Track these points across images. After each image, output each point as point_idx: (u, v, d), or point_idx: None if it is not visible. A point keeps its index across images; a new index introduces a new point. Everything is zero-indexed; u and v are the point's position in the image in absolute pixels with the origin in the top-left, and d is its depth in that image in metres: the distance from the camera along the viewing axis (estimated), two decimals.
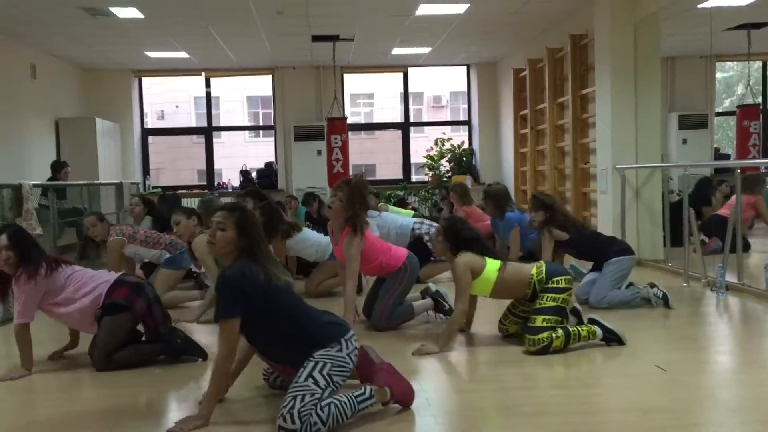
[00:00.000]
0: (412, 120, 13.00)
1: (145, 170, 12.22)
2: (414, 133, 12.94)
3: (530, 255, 6.00)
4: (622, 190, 7.00)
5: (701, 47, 10.83)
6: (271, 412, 2.97)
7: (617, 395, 3.14)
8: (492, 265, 3.96)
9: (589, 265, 5.29)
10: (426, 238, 5.99)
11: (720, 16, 8.28)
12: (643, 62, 7.02)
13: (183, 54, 10.39)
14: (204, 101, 12.99)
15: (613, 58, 7.04)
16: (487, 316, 4.49)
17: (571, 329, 3.86)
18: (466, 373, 3.61)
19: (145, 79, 12.36)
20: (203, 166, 12.90)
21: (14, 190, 5.50)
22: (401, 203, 10.58)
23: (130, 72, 11.68)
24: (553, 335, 3.77)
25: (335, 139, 10.18)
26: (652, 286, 4.92)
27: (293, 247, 5.84)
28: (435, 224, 6.24)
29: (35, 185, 6.02)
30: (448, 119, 22.39)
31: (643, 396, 3.11)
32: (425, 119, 22.77)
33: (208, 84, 12.21)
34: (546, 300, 3.86)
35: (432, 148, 12.43)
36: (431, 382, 3.39)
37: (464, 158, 12.28)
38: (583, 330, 3.89)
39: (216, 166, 12.87)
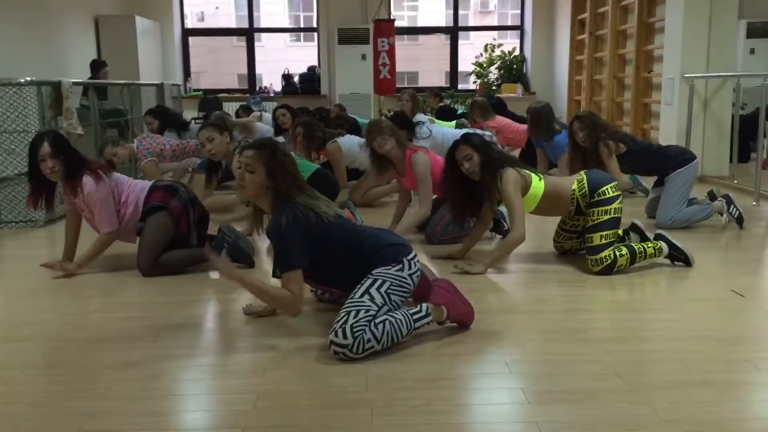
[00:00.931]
0: (459, 25, 12.36)
1: (186, 72, 11.96)
2: (459, 40, 12.32)
3: None
4: (690, 101, 6.53)
5: None
6: (320, 325, 2.83)
7: (692, 322, 2.89)
8: (536, 180, 3.67)
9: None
10: None
11: None
12: None
13: None
14: (245, 3, 12.52)
15: None
16: (539, 232, 4.26)
17: (636, 246, 3.60)
18: (525, 293, 3.39)
19: None
20: (244, 70, 12.56)
21: (53, 87, 5.30)
22: (449, 112, 10.18)
23: None
24: (617, 253, 3.52)
25: (382, 42, 9.75)
26: (729, 202, 4.58)
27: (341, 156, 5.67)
28: (487, 132, 5.94)
29: (75, 83, 5.82)
30: (496, 24, 21.49)
31: (721, 324, 2.87)
32: (471, 24, 21.88)
33: None
34: (598, 215, 3.58)
35: (481, 55, 11.86)
36: (488, 303, 3.18)
37: (515, 66, 11.71)
38: (648, 247, 3.62)
39: (256, 71, 12.53)
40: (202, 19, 23.03)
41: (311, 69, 11.79)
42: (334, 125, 6.60)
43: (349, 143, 5.71)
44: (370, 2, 10.82)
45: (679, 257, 3.67)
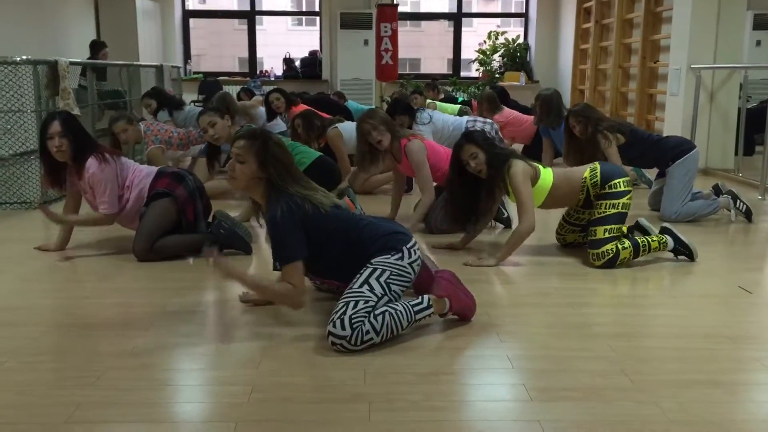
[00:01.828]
0: (463, 11, 12.22)
1: (186, 54, 11.84)
2: (463, 26, 12.19)
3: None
4: (696, 92, 6.44)
5: None
6: (318, 315, 2.76)
7: (698, 318, 2.83)
8: (545, 173, 3.60)
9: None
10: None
11: None
12: None
13: None
14: None
15: None
16: (542, 224, 4.19)
17: (640, 240, 3.53)
18: (527, 286, 3.32)
19: None
20: (245, 53, 12.43)
21: (50, 67, 5.21)
22: (449, 100, 10.08)
23: None
24: (620, 246, 3.46)
25: (385, 27, 9.64)
26: (734, 197, 4.52)
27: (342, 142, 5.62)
28: (488, 120, 5.86)
29: (72, 63, 5.72)
30: (499, 11, 21.32)
31: (728, 320, 2.81)
32: (474, 11, 21.71)
33: None
34: (605, 207, 3.51)
35: (485, 42, 11.74)
36: (491, 296, 3.12)
37: (519, 54, 11.59)
38: (653, 241, 3.55)
39: (257, 55, 12.39)
40: (203, 0, 22.85)
41: (313, 53, 11.67)
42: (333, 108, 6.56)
43: (350, 129, 5.64)
44: None
45: (683, 251, 3.61)
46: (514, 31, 12.21)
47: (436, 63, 19.72)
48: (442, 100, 8.75)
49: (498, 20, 15.02)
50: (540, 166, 3.62)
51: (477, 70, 11.85)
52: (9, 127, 4.90)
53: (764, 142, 5.63)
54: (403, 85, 7.93)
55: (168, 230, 3.65)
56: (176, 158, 5.85)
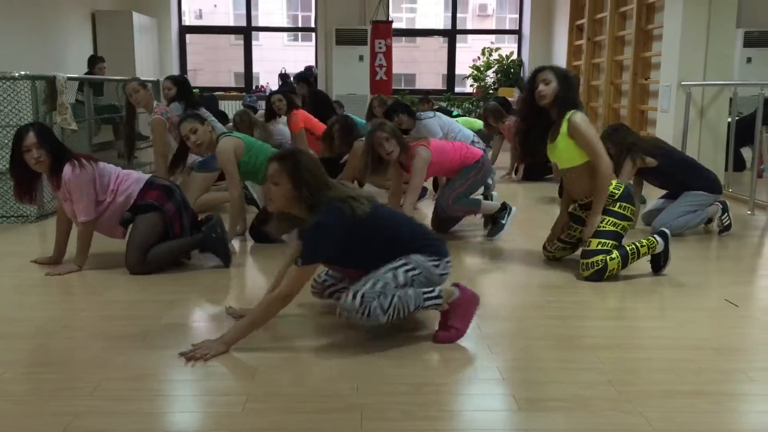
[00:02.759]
0: (457, 28, 12.33)
1: (183, 69, 11.91)
2: (457, 43, 12.30)
3: None
4: (686, 108, 6.52)
5: None
6: (311, 329, 2.80)
7: (685, 331, 2.88)
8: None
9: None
10: None
11: None
12: None
13: None
14: (243, 1, 12.48)
15: None
16: (530, 237, 4.24)
17: (628, 248, 3.58)
18: (518, 299, 3.37)
19: None
20: (241, 68, 12.52)
21: (48, 82, 5.26)
22: (444, 112, 10.16)
23: None
24: (608, 258, 3.51)
25: (379, 44, 9.74)
26: (724, 209, 4.58)
27: None
28: (479, 144, 5.91)
29: (70, 78, 5.77)
30: (494, 28, 21.49)
31: (714, 333, 2.85)
32: (469, 27, 21.88)
33: None
34: (606, 224, 3.57)
35: (479, 58, 11.86)
36: (481, 308, 3.14)
37: (512, 70, 11.71)
38: (642, 246, 3.60)
39: (254, 70, 12.49)
40: (200, 16, 22.96)
41: (309, 68, 11.76)
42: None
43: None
44: (368, 3, 10.81)
45: (662, 263, 3.66)
46: (507, 47, 12.32)
47: (430, 78, 19.83)
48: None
49: (492, 37, 15.14)
50: None
51: (471, 85, 11.96)
52: (6, 141, 4.93)
53: (752, 156, 5.70)
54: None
55: (155, 243, 3.68)
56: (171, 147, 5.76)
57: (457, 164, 4.40)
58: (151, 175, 3.93)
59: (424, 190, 5.37)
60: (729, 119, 6.50)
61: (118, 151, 8.02)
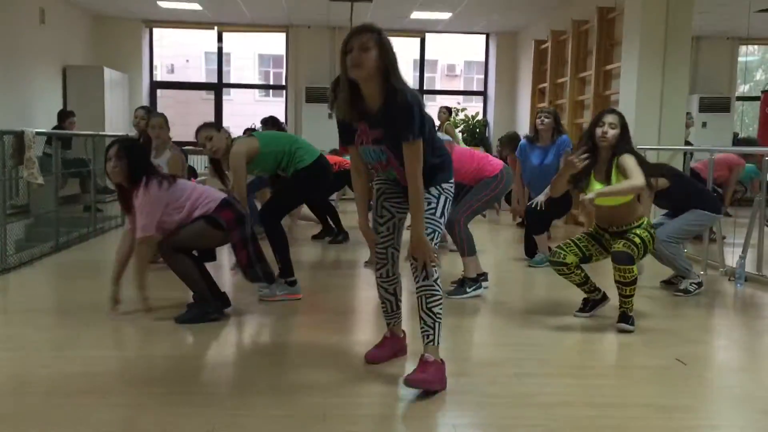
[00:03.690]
0: (425, 88, 12.69)
1: None
2: (425, 101, 12.64)
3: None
4: None
5: (727, 28, 10.53)
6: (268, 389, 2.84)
7: (635, 389, 2.97)
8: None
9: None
10: None
11: None
12: (673, 39, 6.76)
13: (196, 6, 10.11)
14: (215, 57, 12.72)
15: (642, 32, 6.79)
16: (497, 292, 4.34)
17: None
18: (477, 355, 3.44)
19: (155, 31, 12.07)
20: None
21: (16, 136, 5.31)
22: None
23: (141, 22, 11.41)
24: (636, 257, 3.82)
25: None
26: (700, 284, 4.80)
27: None
28: None
29: (38, 133, 5.82)
30: (461, 89, 22.04)
31: (663, 391, 2.95)
32: (437, 88, 22.43)
33: (220, 39, 11.94)
34: (633, 236, 3.85)
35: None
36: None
37: (477, 129, 12.03)
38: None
39: (224, 124, 12.61)
40: (171, 71, 23.22)
41: (273, 119, 11.87)
42: None
43: None
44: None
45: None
46: (474, 107, 12.69)
47: None
48: None
49: (459, 97, 15.57)
50: None
51: None
52: None
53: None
54: None
55: (193, 249, 3.85)
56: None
57: (472, 173, 4.52)
58: (230, 194, 4.07)
59: None
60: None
61: (83, 205, 8.03)
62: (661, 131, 6.84)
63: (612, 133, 3.83)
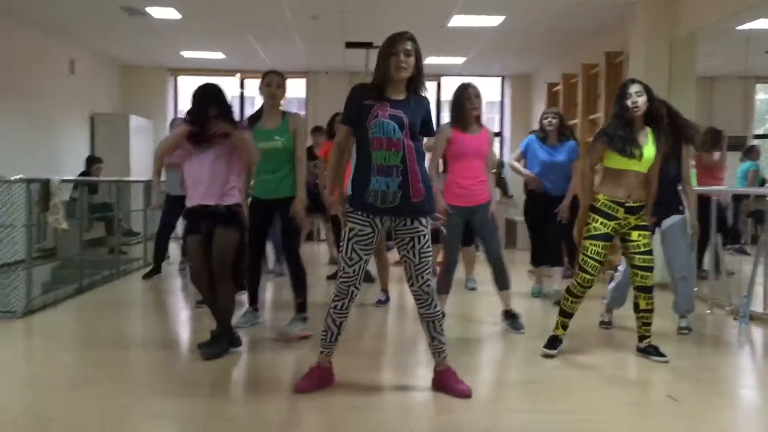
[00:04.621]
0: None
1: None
2: None
3: None
4: None
5: (741, 68, 10.63)
6: None
7: (624, 426, 3.06)
8: None
9: None
10: None
11: (761, 37, 8.13)
12: (677, 81, 6.90)
13: (219, 54, 10.50)
14: (238, 100, 13.11)
15: (647, 76, 6.91)
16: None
17: None
18: (477, 393, 3.54)
19: (180, 78, 12.50)
20: None
21: (42, 184, 5.58)
22: None
23: (166, 70, 11.85)
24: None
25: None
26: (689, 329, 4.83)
27: None
28: None
29: (64, 181, 6.11)
30: None
31: (652, 430, 3.03)
32: None
33: (242, 85, 12.32)
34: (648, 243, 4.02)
35: None
36: (440, 403, 3.34)
37: (493, 170, 12.17)
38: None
39: None
40: None
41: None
42: None
43: None
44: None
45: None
46: None
47: None
48: None
49: None
50: None
51: None
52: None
53: (711, 256, 5.96)
54: None
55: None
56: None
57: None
58: None
59: None
60: None
61: (109, 248, 8.31)
62: None
63: (641, 100, 3.91)
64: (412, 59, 3.17)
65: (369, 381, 3.59)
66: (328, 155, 6.16)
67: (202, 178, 3.98)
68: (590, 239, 3.95)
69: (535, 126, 11.36)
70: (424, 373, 3.61)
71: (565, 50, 9.75)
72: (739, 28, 7.33)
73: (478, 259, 6.57)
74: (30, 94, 8.61)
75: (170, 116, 12.08)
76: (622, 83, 4.11)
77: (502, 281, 4.78)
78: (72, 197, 7.84)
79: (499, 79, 12.65)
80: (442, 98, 12.66)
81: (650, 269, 4.00)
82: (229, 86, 15.26)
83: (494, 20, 8.16)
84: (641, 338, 4.12)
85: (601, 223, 3.95)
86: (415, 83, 3.24)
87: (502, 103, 12.78)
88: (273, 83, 4.58)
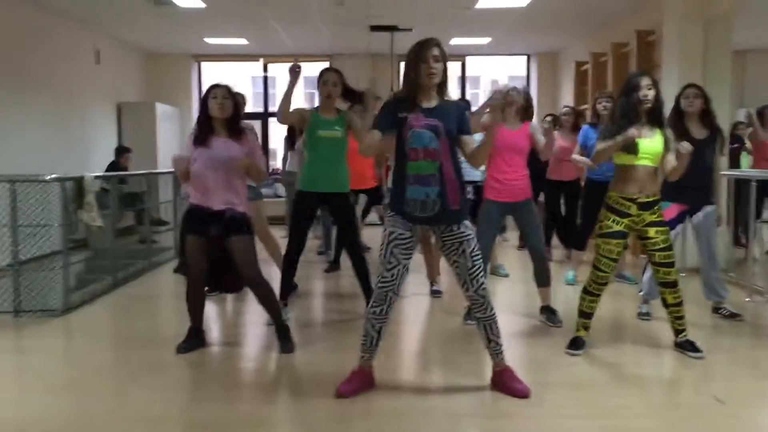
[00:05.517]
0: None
1: None
2: None
3: None
4: None
5: None
6: None
7: (672, 429, 3.02)
8: None
9: None
10: None
11: None
12: (712, 61, 6.71)
13: (242, 41, 10.45)
14: (260, 80, 13.11)
15: (681, 55, 6.76)
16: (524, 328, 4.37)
17: None
18: (515, 399, 3.52)
19: (203, 65, 12.48)
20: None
21: (76, 182, 5.62)
22: None
23: (191, 57, 11.83)
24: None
25: None
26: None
27: None
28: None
29: (97, 177, 6.14)
30: None
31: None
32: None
33: (265, 69, 12.29)
34: (666, 239, 3.97)
35: None
36: (479, 399, 3.33)
37: None
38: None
39: (271, 147, 13.09)
40: None
41: None
42: None
43: None
44: (380, 89, 11.24)
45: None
46: None
47: None
48: None
49: None
50: None
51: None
52: (35, 240, 5.24)
53: (747, 240, 5.86)
54: None
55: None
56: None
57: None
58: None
59: None
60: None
61: (139, 237, 8.39)
62: None
63: (652, 93, 3.85)
64: (440, 65, 3.18)
65: (412, 383, 3.60)
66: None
67: (216, 184, 4.00)
68: (603, 237, 3.96)
69: (563, 103, 11.25)
70: (469, 373, 3.60)
71: (594, 28, 9.54)
72: None
73: (501, 245, 6.63)
74: (57, 86, 8.63)
75: (195, 103, 12.09)
76: (629, 75, 4.08)
77: (543, 278, 4.74)
78: (103, 188, 7.87)
79: (524, 58, 12.46)
80: (470, 73, 12.53)
81: (671, 264, 3.95)
82: (253, 70, 15.26)
83: (522, 1, 8.00)
84: (677, 333, 4.08)
85: (614, 221, 3.94)
86: (442, 88, 3.24)
87: (528, 82, 12.59)
88: (329, 82, 4.76)
